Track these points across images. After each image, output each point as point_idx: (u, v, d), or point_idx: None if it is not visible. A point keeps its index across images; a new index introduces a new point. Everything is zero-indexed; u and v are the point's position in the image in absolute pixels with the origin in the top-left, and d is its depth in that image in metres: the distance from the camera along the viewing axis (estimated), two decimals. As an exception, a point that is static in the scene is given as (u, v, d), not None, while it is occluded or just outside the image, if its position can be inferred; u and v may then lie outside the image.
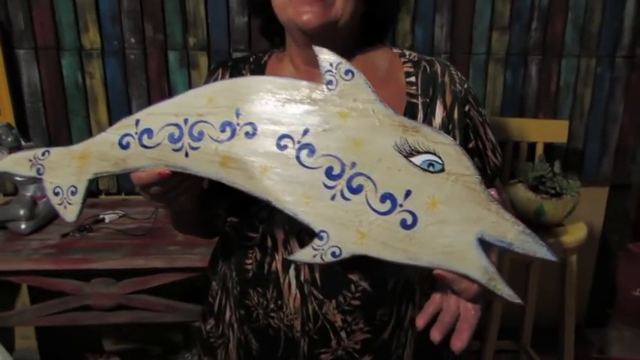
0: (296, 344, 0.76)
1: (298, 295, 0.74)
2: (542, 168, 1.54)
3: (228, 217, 0.76)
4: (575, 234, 1.65)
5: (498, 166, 0.85)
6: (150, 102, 1.71)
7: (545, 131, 1.86)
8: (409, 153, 0.57)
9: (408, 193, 0.57)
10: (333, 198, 0.58)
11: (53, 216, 1.57)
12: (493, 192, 0.58)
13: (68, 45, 1.72)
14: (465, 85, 0.79)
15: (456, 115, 0.77)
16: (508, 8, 1.86)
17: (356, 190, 0.58)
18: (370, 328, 0.76)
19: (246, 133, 0.60)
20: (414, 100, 0.76)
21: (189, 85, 1.78)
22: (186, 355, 1.73)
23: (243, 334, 0.81)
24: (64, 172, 0.65)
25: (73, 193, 0.65)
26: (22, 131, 1.64)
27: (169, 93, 1.78)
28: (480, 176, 0.58)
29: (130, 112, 1.69)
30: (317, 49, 0.60)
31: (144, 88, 1.77)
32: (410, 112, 0.75)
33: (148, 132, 0.62)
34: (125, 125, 0.64)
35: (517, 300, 0.58)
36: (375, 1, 0.76)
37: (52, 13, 1.68)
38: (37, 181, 1.50)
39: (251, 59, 0.85)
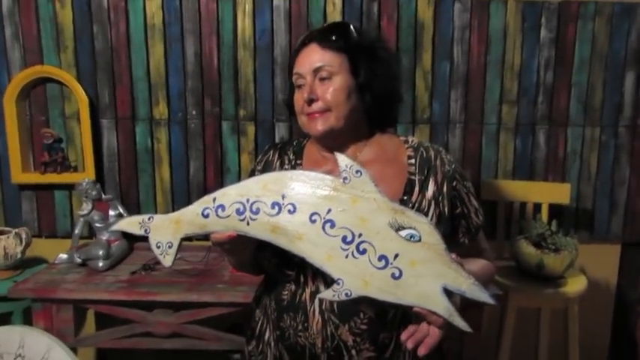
0: (318, 359, 1.00)
1: (320, 320, 0.98)
2: (542, 226, 1.73)
3: (272, 259, 1.02)
4: (575, 285, 1.81)
5: (480, 224, 1.09)
6: (205, 162, 2.06)
7: (549, 193, 2.05)
8: (398, 228, 0.84)
9: (396, 256, 0.83)
10: (347, 257, 0.84)
11: (124, 256, 1.88)
12: (454, 256, 0.84)
13: (142, 116, 2.08)
14: (453, 166, 1.05)
15: (445, 189, 1.02)
16: (516, 85, 2.11)
17: (362, 252, 0.84)
18: (375, 348, 0.99)
19: (289, 210, 0.87)
20: (413, 177, 1.02)
21: (239, 149, 2.10)
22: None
23: (278, 351, 1.05)
24: (164, 232, 0.93)
25: (170, 247, 0.93)
26: (100, 186, 1.97)
27: (221, 156, 2.10)
28: (444, 244, 0.83)
29: (188, 172, 2.02)
30: (337, 154, 0.89)
31: (200, 152, 2.10)
32: (409, 185, 1.01)
33: (222, 207, 0.90)
34: (206, 201, 0.92)
35: (468, 329, 0.82)
36: (374, 100, 1.03)
37: (131, 91, 2.06)
38: (110, 226, 1.82)
39: (294, 143, 1.14)
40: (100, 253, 1.74)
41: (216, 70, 2.06)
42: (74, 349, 1.64)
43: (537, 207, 2.08)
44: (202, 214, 0.91)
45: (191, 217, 0.91)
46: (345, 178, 0.86)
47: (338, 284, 0.83)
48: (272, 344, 1.07)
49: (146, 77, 2.06)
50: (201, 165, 2.11)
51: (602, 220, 2.20)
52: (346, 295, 0.83)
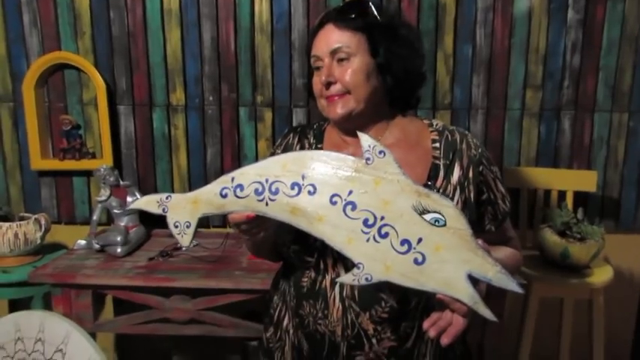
0: (337, 347, 0.98)
1: (340, 307, 0.96)
2: (566, 214, 1.68)
3: (292, 246, 1.00)
4: (601, 276, 1.75)
5: (507, 211, 1.04)
6: (222, 149, 2.05)
7: (575, 181, 1.99)
8: (422, 212, 0.80)
9: (420, 240, 0.80)
10: (367, 240, 0.81)
11: (141, 242, 1.88)
12: (480, 241, 0.80)
13: (159, 102, 2.07)
14: (480, 150, 1.00)
15: (471, 174, 0.98)
16: (541, 69, 2.05)
17: (384, 236, 0.81)
18: (396, 337, 0.96)
19: (309, 192, 0.85)
20: (437, 162, 0.98)
21: (256, 136, 2.08)
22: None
23: (297, 338, 1.03)
24: (182, 211, 0.91)
25: (187, 227, 0.91)
26: (118, 172, 1.97)
27: (238, 142, 2.08)
28: (471, 230, 0.79)
29: (205, 158, 2.01)
30: (360, 134, 0.85)
31: (218, 138, 2.09)
32: (434, 170, 0.98)
33: (240, 187, 0.88)
34: (224, 181, 0.89)
35: (494, 319, 0.79)
36: (395, 81, 0.99)
37: (148, 77, 2.05)
38: (130, 213, 1.82)
39: (314, 126, 1.10)
40: (118, 239, 1.75)
41: (234, 55, 2.03)
42: (93, 334, 1.64)
43: (562, 195, 2.02)
44: (220, 194, 0.89)
45: (209, 196, 0.90)
46: (367, 159, 0.83)
47: (358, 268, 0.81)
48: (290, 331, 1.05)
49: (163, 63, 2.04)
50: (219, 151, 2.09)
51: (629, 210, 2.13)
52: (366, 279, 0.80)
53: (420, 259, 0.79)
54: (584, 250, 1.67)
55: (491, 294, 1.51)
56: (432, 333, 0.82)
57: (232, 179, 0.89)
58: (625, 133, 2.09)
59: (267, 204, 0.87)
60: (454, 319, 0.82)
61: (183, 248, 1.85)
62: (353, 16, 0.97)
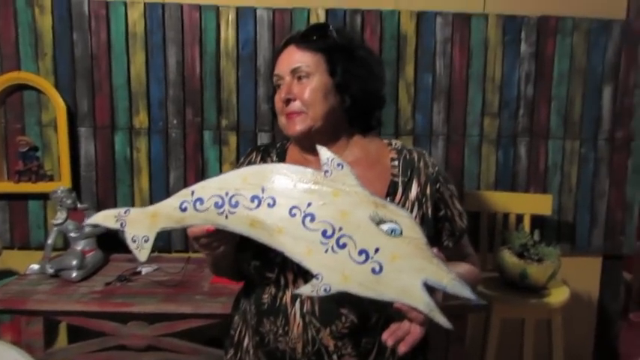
0: None
1: (301, 323, 0.96)
2: (524, 237, 1.73)
3: (253, 262, 0.99)
4: (558, 296, 1.80)
5: (464, 228, 1.06)
6: (186, 172, 2.03)
7: (531, 204, 2.06)
8: (379, 222, 0.82)
9: (377, 250, 0.81)
10: (326, 251, 0.82)
11: (99, 267, 1.82)
12: (435, 250, 0.82)
13: (121, 125, 2.05)
14: (436, 168, 1.04)
15: (428, 191, 1.01)
16: (497, 98, 2.14)
17: (342, 246, 0.82)
18: (357, 353, 0.96)
19: (268, 204, 0.85)
20: (396, 179, 1.01)
21: (220, 159, 2.07)
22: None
23: (257, 358, 1.02)
24: (140, 225, 0.91)
25: (145, 241, 0.91)
26: (76, 195, 1.92)
27: (203, 166, 2.07)
28: (426, 239, 0.81)
29: (167, 182, 1.99)
30: (318, 147, 0.87)
31: (181, 161, 2.07)
32: (392, 187, 1.00)
33: (200, 200, 0.88)
34: (184, 194, 0.89)
35: (449, 326, 0.79)
36: (353, 100, 1.01)
37: (111, 100, 2.03)
38: (87, 237, 1.77)
39: (277, 145, 1.12)
40: (74, 263, 1.69)
41: (199, 79, 2.04)
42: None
43: (519, 218, 2.09)
44: (180, 208, 0.88)
45: (169, 210, 0.89)
46: (326, 171, 0.84)
47: (317, 279, 0.81)
48: (251, 352, 1.03)
49: (126, 86, 2.03)
50: (182, 175, 2.07)
51: (583, 233, 2.22)
52: (325, 290, 0.80)
53: (377, 268, 0.80)
54: (542, 270, 1.72)
55: (452, 316, 1.52)
56: (389, 342, 0.83)
57: (192, 193, 0.89)
58: (577, 159, 2.18)
59: (226, 217, 0.86)
60: (412, 329, 0.83)
61: (141, 267, 1.81)
62: (314, 38, 1.01)
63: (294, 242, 0.83)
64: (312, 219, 0.83)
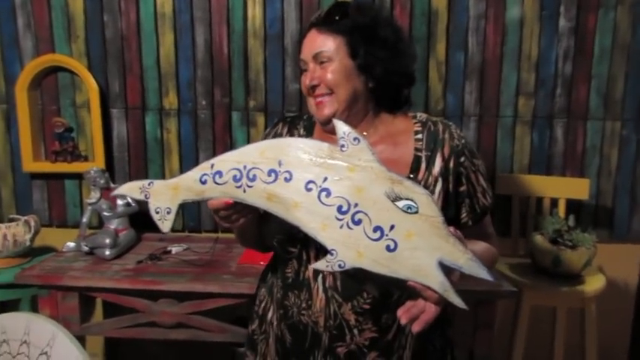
0: (319, 338, 0.99)
1: (324, 298, 0.97)
2: (558, 222, 1.67)
3: (276, 236, 1.01)
4: (593, 284, 1.74)
5: (487, 206, 1.04)
6: (214, 153, 2.05)
7: (567, 188, 1.98)
8: (394, 198, 0.81)
9: (392, 227, 0.80)
10: (341, 227, 0.82)
11: (131, 246, 1.87)
12: (452, 229, 0.80)
13: (152, 105, 2.07)
14: (462, 141, 1.00)
15: (451, 164, 0.98)
16: (533, 77, 2.05)
17: (357, 223, 0.81)
18: (377, 329, 0.97)
19: (285, 178, 0.85)
20: (419, 154, 0.99)
21: (248, 141, 2.08)
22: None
23: (280, 330, 1.04)
24: (162, 197, 0.93)
25: (168, 213, 0.93)
26: (110, 175, 1.97)
27: (231, 147, 2.08)
28: (442, 217, 0.80)
29: (197, 162, 2.02)
30: (335, 121, 0.87)
31: (210, 142, 2.08)
32: (416, 163, 0.98)
33: (219, 173, 0.89)
34: (204, 167, 0.91)
35: (464, 306, 0.78)
36: (377, 81, 0.99)
37: (141, 80, 2.06)
38: (120, 216, 1.81)
39: (304, 117, 1.12)
40: (107, 241, 1.74)
41: (227, 59, 2.04)
42: (82, 337, 1.63)
43: (554, 203, 2.02)
44: (200, 181, 0.90)
45: (189, 182, 0.91)
46: (342, 146, 0.84)
47: (332, 255, 0.81)
48: (274, 324, 1.06)
49: (156, 66, 2.05)
50: (211, 156, 2.03)
51: (622, 219, 2.12)
52: (339, 266, 0.81)
53: (392, 245, 0.79)
54: (576, 257, 1.66)
55: (481, 301, 1.50)
56: (403, 320, 0.83)
57: (212, 166, 0.90)
58: (618, 141, 2.08)
59: (244, 190, 0.88)
60: (427, 307, 0.83)
61: (171, 246, 1.85)
62: (335, 19, 0.99)
63: (310, 217, 0.83)
64: (328, 194, 0.83)
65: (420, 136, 1.00)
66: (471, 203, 1.02)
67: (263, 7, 2.00)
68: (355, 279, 0.95)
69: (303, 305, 1.00)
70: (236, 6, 2.00)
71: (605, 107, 2.06)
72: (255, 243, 1.11)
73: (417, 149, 0.99)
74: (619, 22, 2.01)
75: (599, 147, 2.09)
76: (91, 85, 1.99)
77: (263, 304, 1.10)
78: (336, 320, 0.97)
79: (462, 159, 0.99)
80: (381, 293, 0.96)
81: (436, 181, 0.97)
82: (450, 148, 0.99)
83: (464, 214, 1.02)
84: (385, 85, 1.00)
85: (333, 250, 0.81)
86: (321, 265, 0.83)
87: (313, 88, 0.99)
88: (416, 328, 0.83)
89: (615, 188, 2.11)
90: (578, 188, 1.99)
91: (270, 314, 1.08)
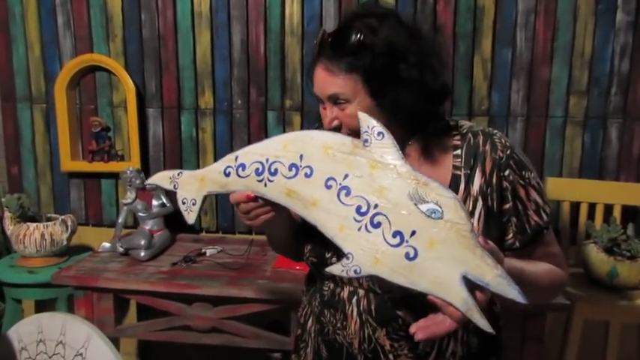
0: (355, 359, 0.93)
1: (358, 321, 0.92)
2: (615, 230, 1.56)
3: (310, 257, 0.96)
4: (652, 298, 1.61)
5: (542, 225, 0.90)
6: (249, 154, 2.00)
7: (622, 194, 1.85)
8: (418, 201, 0.71)
9: (413, 233, 0.71)
10: (359, 229, 0.74)
11: (166, 247, 1.85)
12: (481, 239, 0.69)
13: (187, 105, 2.05)
14: (508, 152, 0.87)
15: (494, 180, 0.87)
16: (586, 75, 1.92)
17: (376, 226, 0.73)
18: (414, 355, 0.89)
19: (306, 174, 0.80)
20: (458, 172, 0.88)
21: (284, 141, 2.03)
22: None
23: (317, 343, 0.99)
24: (189, 188, 0.91)
25: (193, 204, 0.91)
26: (145, 175, 1.95)
27: (266, 147, 2.03)
28: (471, 225, 0.69)
29: (233, 163, 1.96)
30: (360, 113, 0.78)
31: (245, 142, 2.04)
32: (454, 183, 0.88)
33: (242, 166, 0.86)
34: (228, 159, 0.88)
35: (489, 330, 0.67)
36: (404, 112, 0.86)
37: (178, 80, 2.04)
38: (155, 217, 1.80)
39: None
40: (142, 242, 1.72)
41: (263, 58, 1.99)
42: (116, 339, 1.62)
43: (608, 209, 1.89)
44: (224, 173, 0.87)
45: (214, 174, 0.89)
46: (365, 140, 0.76)
47: (348, 259, 0.74)
48: (312, 335, 1.02)
49: (192, 66, 2.03)
50: (246, 156, 2.05)
51: (681, 226, 1.98)
52: (355, 271, 0.73)
53: (411, 253, 0.70)
54: (635, 269, 1.54)
55: (531, 315, 1.38)
56: (418, 335, 0.72)
57: (236, 158, 0.87)
58: (678, 143, 1.94)
59: (265, 185, 0.83)
60: (441, 319, 0.71)
61: (205, 248, 1.83)
62: (346, 51, 0.84)
63: (327, 216, 0.77)
64: (348, 193, 0.76)
65: (458, 151, 0.89)
66: (519, 222, 0.89)
67: (301, 4, 1.95)
68: (389, 304, 0.89)
69: (339, 325, 0.94)
70: (273, 4, 1.96)
71: (664, 107, 1.92)
72: (286, 251, 1.07)
73: (455, 167, 0.89)
74: (683, 16, 1.86)
75: (658, 149, 1.95)
76: (127, 84, 1.98)
77: (304, 312, 1.06)
78: (370, 344, 0.91)
79: (507, 172, 0.87)
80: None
81: (476, 201, 0.86)
82: (492, 162, 0.87)
83: (509, 235, 0.90)
84: (415, 112, 0.87)
85: (349, 253, 0.74)
86: (336, 269, 0.76)
87: (337, 129, 0.88)
88: (419, 335, 0.72)
89: (675, 194, 1.96)
90: (635, 194, 1.85)
91: (309, 324, 1.03)
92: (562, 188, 1.90)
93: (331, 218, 0.77)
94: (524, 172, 0.89)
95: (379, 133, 0.76)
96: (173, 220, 1.87)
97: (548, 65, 1.93)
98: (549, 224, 0.92)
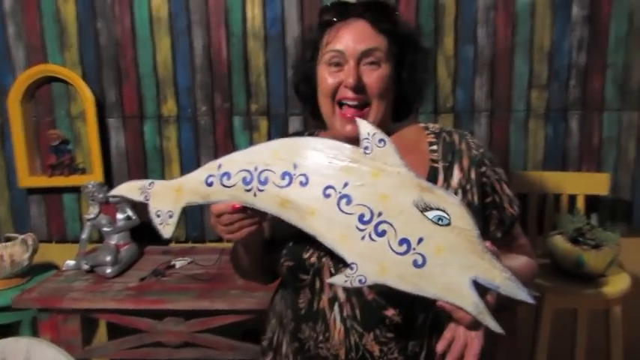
0: None
1: (342, 329, 0.88)
2: (579, 220, 1.59)
3: (286, 262, 0.92)
4: (617, 285, 1.66)
5: (515, 216, 0.96)
6: (216, 161, 1.96)
7: (585, 184, 1.90)
8: (424, 208, 0.72)
9: (420, 240, 0.71)
10: (363, 238, 0.74)
11: (133, 261, 1.80)
12: (488, 244, 0.71)
13: (150, 113, 2.00)
14: (481, 150, 0.93)
15: (472, 176, 0.91)
16: (546, 68, 1.96)
17: (381, 234, 0.73)
18: (404, 358, 0.88)
19: (301, 182, 0.78)
20: (436, 165, 0.91)
21: (251, 145, 2.00)
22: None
23: None
24: (164, 200, 0.86)
25: (170, 216, 0.86)
26: (108, 188, 1.89)
27: (233, 153, 2.00)
28: (477, 230, 0.71)
29: (199, 171, 1.92)
30: (358, 120, 0.78)
31: (211, 149, 2.01)
32: (432, 174, 0.90)
33: (227, 175, 0.81)
34: (210, 168, 0.83)
35: (500, 330, 0.70)
36: (402, 89, 0.92)
37: (138, 88, 1.98)
38: (120, 231, 1.74)
39: (305, 134, 1.03)
40: (108, 259, 1.67)
41: (226, 62, 1.96)
42: (85, 360, 1.57)
43: (571, 199, 1.93)
44: (206, 182, 0.83)
45: (194, 184, 0.84)
46: (366, 148, 0.75)
47: (351, 269, 0.73)
48: (290, 357, 0.97)
49: (153, 73, 1.97)
50: (213, 163, 2.01)
51: (641, 211, 2.04)
52: (360, 281, 0.72)
53: (419, 261, 0.71)
54: (600, 257, 1.58)
55: (501, 307, 1.41)
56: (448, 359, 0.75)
57: (219, 166, 0.82)
58: (635, 132, 2.00)
59: (255, 194, 0.80)
60: (468, 339, 0.74)
61: (175, 260, 1.79)
62: (384, 18, 0.90)
63: (328, 226, 0.75)
64: (349, 201, 0.74)
65: (435, 147, 0.93)
66: (499, 214, 0.95)
67: (262, 7, 1.92)
68: (375, 305, 0.87)
69: (320, 338, 0.90)
70: (234, 7, 1.92)
71: (621, 97, 1.98)
72: (255, 270, 1.02)
73: (432, 160, 0.91)
74: (634, 8, 1.92)
75: (616, 139, 2.00)
76: (86, 94, 1.92)
77: (275, 336, 1.01)
78: (358, 352, 0.88)
79: (484, 169, 0.92)
80: (405, 318, 0.87)
81: (456, 193, 0.89)
82: (469, 159, 0.91)
83: (492, 227, 0.95)
84: (410, 97, 0.94)
85: (353, 263, 0.73)
86: (339, 279, 0.74)
87: (356, 89, 0.86)
88: None
89: (633, 181, 2.02)
90: (598, 183, 1.90)
91: (284, 347, 0.99)
92: (528, 181, 1.94)
93: (332, 228, 0.75)
94: (496, 169, 0.94)
95: (380, 140, 0.75)
96: (140, 232, 1.82)
97: (509, 60, 1.96)
98: (519, 216, 0.97)
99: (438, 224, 0.71)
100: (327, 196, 0.75)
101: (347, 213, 0.74)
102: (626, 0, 1.91)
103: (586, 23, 1.93)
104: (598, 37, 1.94)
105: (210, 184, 0.82)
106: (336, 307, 0.89)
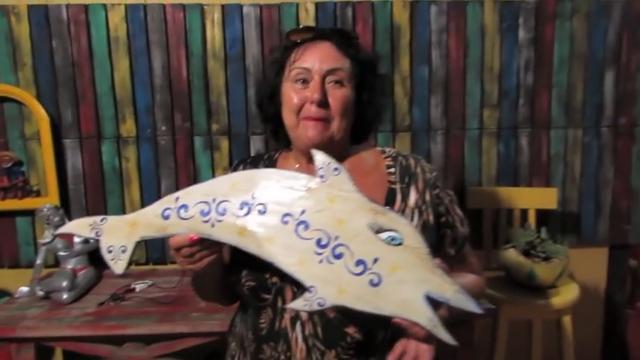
0: None
1: (304, 348, 0.90)
2: (530, 234, 1.67)
3: (247, 282, 0.93)
4: (567, 295, 1.74)
5: (466, 235, 1.02)
6: (177, 181, 1.96)
7: (536, 198, 2.00)
8: (377, 230, 0.76)
9: (375, 260, 0.75)
10: (321, 262, 0.76)
11: (91, 285, 1.76)
12: (437, 261, 0.76)
13: (108, 134, 1.97)
14: (434, 174, 0.99)
15: (427, 197, 0.96)
16: (496, 88, 2.06)
17: (338, 257, 0.76)
18: None
19: (259, 211, 0.80)
20: (394, 186, 0.96)
21: (213, 165, 2.00)
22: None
23: None
24: (118, 234, 0.85)
25: (123, 252, 0.85)
26: (65, 211, 1.85)
27: (194, 173, 2.00)
28: (428, 248, 0.75)
29: (159, 191, 1.91)
30: (313, 151, 0.82)
31: (172, 169, 1.99)
32: (391, 194, 0.95)
33: (185, 207, 0.82)
34: (167, 201, 0.84)
35: (453, 342, 0.73)
36: (362, 111, 0.97)
37: (96, 108, 1.95)
38: (77, 255, 1.70)
39: (265, 157, 1.06)
40: (64, 284, 1.62)
41: (186, 82, 1.96)
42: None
43: (524, 213, 2.02)
44: (162, 215, 0.83)
45: (149, 218, 0.84)
46: (321, 176, 0.79)
47: (310, 292, 0.75)
48: None
49: (111, 93, 1.95)
50: (174, 183, 1.99)
51: (588, 224, 2.15)
52: (319, 304, 0.75)
53: (375, 280, 0.74)
54: (550, 269, 1.66)
55: (459, 321, 1.46)
56: None
57: (176, 199, 0.83)
58: (580, 148, 2.11)
59: (212, 225, 0.81)
60: (420, 352, 0.78)
61: (135, 283, 1.75)
62: (348, 42, 0.96)
63: (286, 252, 0.77)
64: (306, 227, 0.77)
65: (392, 169, 0.98)
66: (452, 234, 1.00)
67: (222, 27, 1.94)
68: (337, 323, 0.89)
69: (282, 358, 0.92)
70: (194, 27, 1.93)
71: (566, 115, 2.09)
72: (215, 294, 1.03)
73: (390, 182, 0.97)
74: (575, 32, 2.04)
75: (563, 155, 2.11)
76: (40, 115, 1.87)
77: (236, 359, 1.02)
78: None
79: (437, 191, 0.98)
80: (365, 336, 0.90)
81: (413, 212, 0.94)
82: (424, 182, 0.97)
83: (446, 245, 1.00)
84: (369, 119, 1.00)
85: (312, 287, 0.75)
86: (298, 304, 0.76)
87: (320, 104, 0.90)
88: None
89: (580, 194, 2.14)
90: (547, 198, 2.00)
91: None
92: (482, 197, 2.02)
93: (290, 254, 0.77)
94: (448, 191, 1.00)
95: (335, 169, 0.79)
96: (98, 255, 1.77)
97: (462, 80, 2.04)
98: (469, 235, 1.03)
99: (392, 244, 0.75)
100: (285, 223, 0.78)
101: (305, 238, 0.77)
102: (567, 24, 2.04)
103: (532, 45, 2.04)
104: (543, 58, 2.05)
105: (166, 217, 0.83)
106: (297, 326, 0.90)
